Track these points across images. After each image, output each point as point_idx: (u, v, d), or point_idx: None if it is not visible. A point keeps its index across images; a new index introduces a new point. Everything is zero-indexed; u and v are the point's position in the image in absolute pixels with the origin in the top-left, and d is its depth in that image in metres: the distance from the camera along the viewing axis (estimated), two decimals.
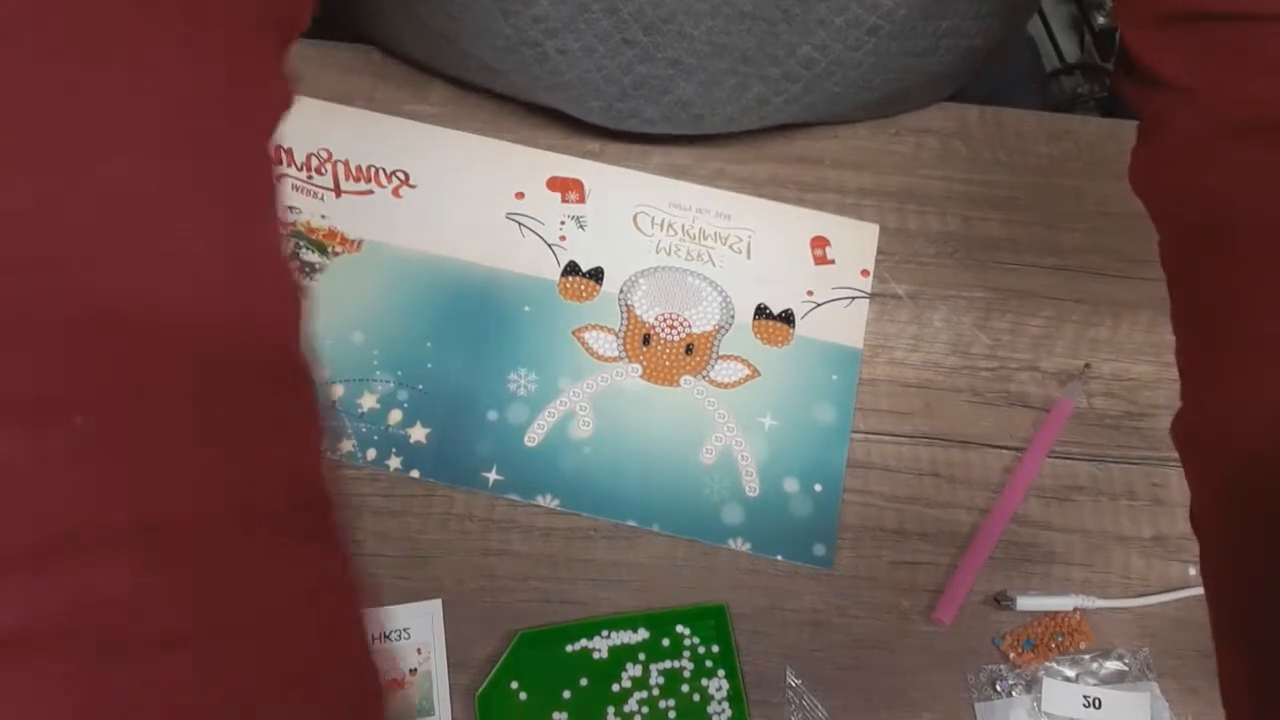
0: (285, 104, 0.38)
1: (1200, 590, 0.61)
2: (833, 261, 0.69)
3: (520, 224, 0.69)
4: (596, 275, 0.68)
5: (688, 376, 0.65)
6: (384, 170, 0.69)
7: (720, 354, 0.66)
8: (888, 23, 0.62)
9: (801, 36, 0.63)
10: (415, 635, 0.58)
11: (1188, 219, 0.46)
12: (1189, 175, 0.46)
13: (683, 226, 0.69)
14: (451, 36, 0.67)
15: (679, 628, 0.59)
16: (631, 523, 0.62)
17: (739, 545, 0.61)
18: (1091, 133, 0.74)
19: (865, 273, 0.69)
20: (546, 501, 0.62)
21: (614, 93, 0.66)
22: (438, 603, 0.59)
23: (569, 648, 0.58)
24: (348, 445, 0.62)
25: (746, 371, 0.66)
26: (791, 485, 0.63)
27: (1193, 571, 0.62)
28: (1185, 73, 0.46)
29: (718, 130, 0.69)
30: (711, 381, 0.65)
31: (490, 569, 0.60)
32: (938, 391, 0.66)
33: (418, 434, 0.63)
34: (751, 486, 0.63)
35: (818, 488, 0.63)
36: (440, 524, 0.61)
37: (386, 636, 0.58)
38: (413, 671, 0.58)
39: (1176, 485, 0.64)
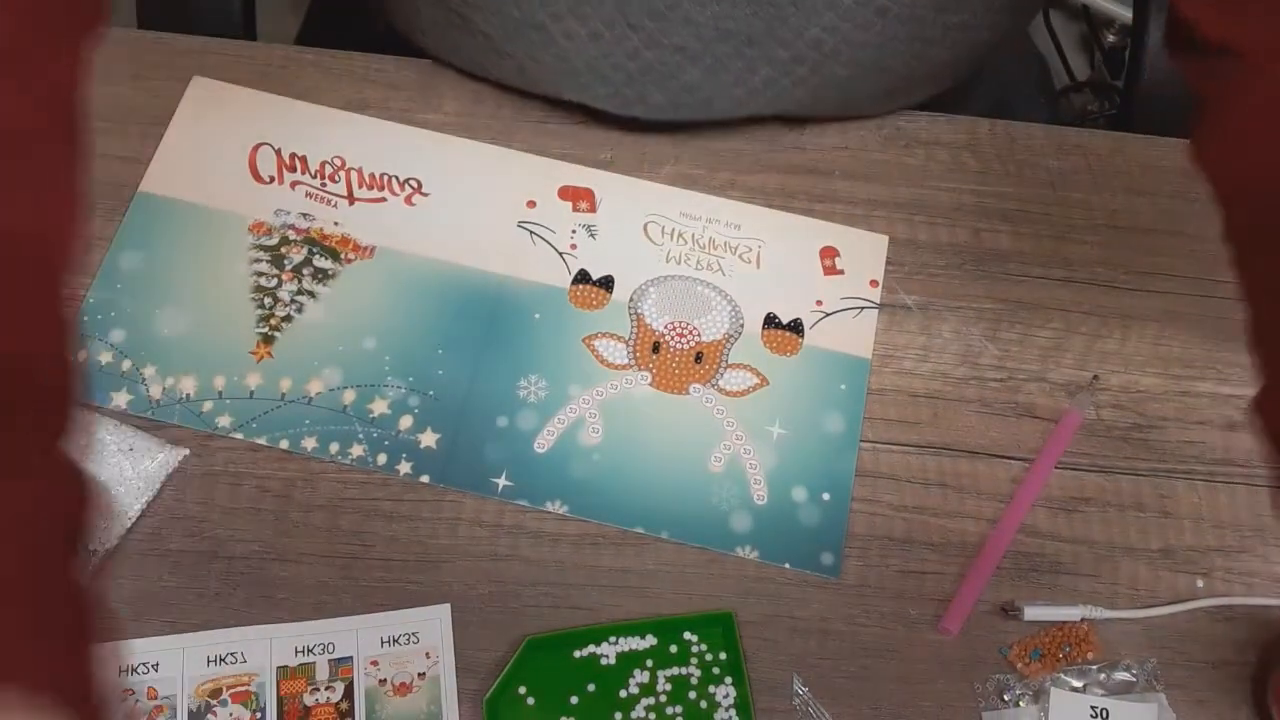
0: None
1: (1208, 602, 0.61)
2: (842, 272, 0.69)
3: (532, 232, 0.69)
4: (607, 283, 0.68)
5: (697, 385, 0.66)
6: (397, 178, 0.70)
7: (729, 363, 0.66)
8: (896, 5, 0.63)
9: (809, 19, 0.64)
10: (424, 640, 0.59)
11: (1268, 186, 0.46)
12: (1270, 142, 0.46)
13: (693, 236, 0.70)
14: (465, 14, 0.67)
15: (686, 635, 0.59)
16: (640, 529, 0.62)
17: (747, 553, 0.62)
18: (1100, 146, 0.75)
19: (874, 283, 0.69)
20: (556, 508, 0.62)
21: (620, 79, 0.67)
22: (446, 607, 0.59)
23: (577, 653, 0.59)
24: (358, 450, 0.63)
25: (755, 380, 0.66)
26: (800, 494, 0.63)
27: (1200, 584, 0.62)
28: (1258, 41, 0.46)
29: (727, 115, 0.69)
30: (720, 390, 0.66)
31: (499, 574, 0.61)
32: (946, 402, 0.66)
33: (428, 439, 0.63)
34: (760, 494, 0.63)
35: (826, 496, 0.63)
36: (450, 529, 0.61)
37: (395, 641, 0.59)
38: (421, 675, 0.58)
39: (1184, 497, 0.64)
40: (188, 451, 0.62)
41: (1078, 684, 0.59)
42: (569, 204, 0.70)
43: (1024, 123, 0.76)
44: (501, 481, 0.63)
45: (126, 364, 0.64)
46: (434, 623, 0.59)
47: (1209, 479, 0.65)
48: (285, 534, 0.61)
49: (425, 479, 0.62)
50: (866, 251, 0.70)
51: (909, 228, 0.71)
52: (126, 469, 0.61)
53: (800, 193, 0.71)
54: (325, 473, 0.62)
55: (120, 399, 0.63)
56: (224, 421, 0.63)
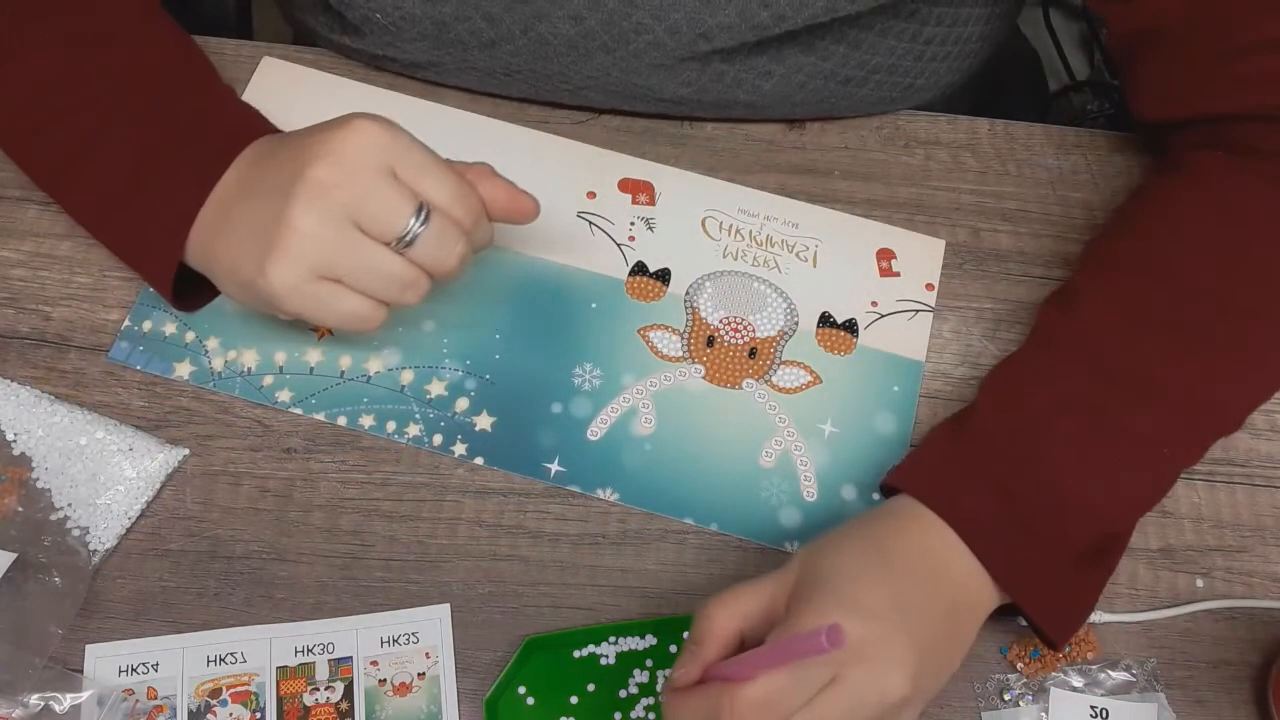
0: None
1: (1208, 603, 0.61)
2: (898, 274, 0.69)
3: (591, 223, 0.70)
4: (663, 276, 0.68)
5: (750, 380, 0.66)
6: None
7: (783, 359, 0.67)
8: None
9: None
10: (424, 639, 0.59)
11: None
12: None
13: (750, 233, 0.70)
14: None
15: (686, 635, 0.59)
16: (689, 520, 0.62)
17: (795, 549, 0.61)
18: (1100, 146, 0.75)
19: (930, 286, 0.69)
20: (607, 495, 0.62)
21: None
22: (446, 607, 0.59)
23: (576, 654, 0.59)
24: (415, 429, 0.63)
25: (809, 378, 0.66)
26: (849, 493, 0.63)
27: (1200, 584, 0.62)
28: None
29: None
30: (773, 386, 0.66)
31: (499, 574, 0.61)
32: (946, 402, 0.66)
33: (483, 422, 0.64)
34: (810, 492, 0.63)
35: (875, 496, 0.63)
36: (450, 529, 0.61)
37: (395, 641, 0.59)
38: (421, 676, 0.58)
39: (1183, 498, 0.64)
40: (187, 451, 0.62)
41: (1078, 684, 0.59)
42: (629, 196, 0.71)
43: (1024, 123, 0.76)
44: (554, 467, 0.63)
45: (190, 335, 0.65)
46: (434, 623, 0.59)
47: (1209, 479, 0.65)
48: (285, 534, 0.61)
49: (479, 461, 0.63)
50: (923, 255, 0.70)
51: (909, 228, 0.71)
52: (126, 469, 0.61)
53: (800, 193, 0.71)
54: (325, 473, 0.62)
55: (183, 369, 0.64)
56: (284, 396, 0.64)
